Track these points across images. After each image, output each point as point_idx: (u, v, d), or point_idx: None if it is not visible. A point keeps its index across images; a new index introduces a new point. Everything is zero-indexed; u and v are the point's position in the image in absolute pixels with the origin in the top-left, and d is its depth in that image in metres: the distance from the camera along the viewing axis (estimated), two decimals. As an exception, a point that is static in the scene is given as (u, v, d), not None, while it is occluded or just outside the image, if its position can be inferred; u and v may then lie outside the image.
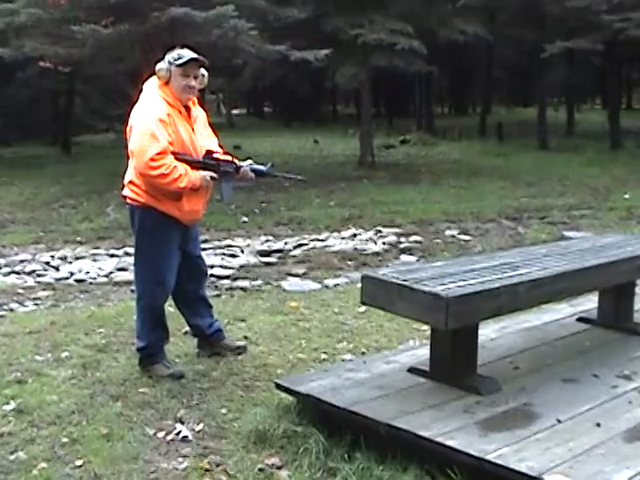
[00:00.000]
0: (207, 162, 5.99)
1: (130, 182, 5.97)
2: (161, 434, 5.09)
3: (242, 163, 6.13)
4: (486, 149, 33.09)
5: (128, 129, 5.90)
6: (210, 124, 6.42)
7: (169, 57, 5.93)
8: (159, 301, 6.12)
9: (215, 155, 6.04)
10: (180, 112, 5.92)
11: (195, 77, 6.00)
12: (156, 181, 5.75)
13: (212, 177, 5.97)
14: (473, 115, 54.44)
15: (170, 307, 6.70)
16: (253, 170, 6.15)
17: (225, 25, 20.34)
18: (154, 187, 5.81)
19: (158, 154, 5.64)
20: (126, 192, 6.02)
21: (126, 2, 19.98)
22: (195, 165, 5.92)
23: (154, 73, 6.02)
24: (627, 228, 14.61)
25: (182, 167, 5.78)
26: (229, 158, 6.11)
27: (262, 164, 6.29)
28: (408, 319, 5.76)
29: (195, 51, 6.05)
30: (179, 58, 5.91)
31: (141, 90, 6.07)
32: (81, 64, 24.89)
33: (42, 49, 21.59)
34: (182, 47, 6.13)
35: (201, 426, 5.17)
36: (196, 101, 6.19)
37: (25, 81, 32.42)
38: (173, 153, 5.76)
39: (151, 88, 5.99)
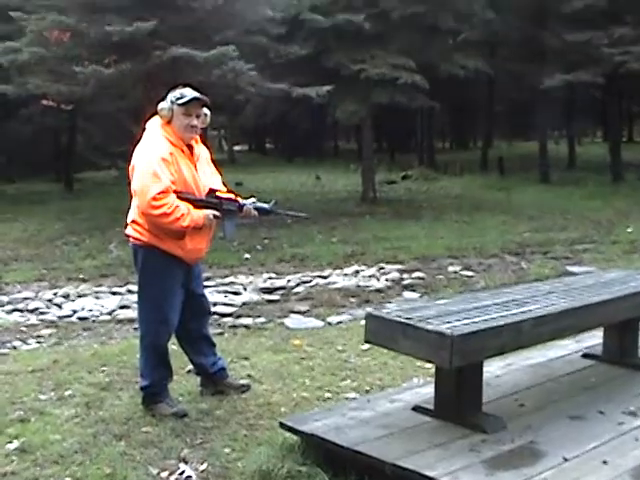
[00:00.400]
0: (210, 201, 5.98)
1: (133, 221, 5.96)
2: (165, 474, 5.05)
3: (245, 201, 6.13)
4: (488, 183, 33.14)
5: (130, 168, 5.89)
6: (213, 161, 6.41)
7: (171, 96, 5.93)
8: (162, 340, 6.09)
9: (217, 194, 6.03)
10: (183, 151, 5.92)
11: (197, 116, 5.99)
12: (158, 220, 5.74)
13: (215, 216, 5.96)
14: (474, 149, 54.56)
15: (173, 345, 6.68)
16: (256, 208, 6.15)
17: (225, 67, 20.46)
18: (157, 226, 5.80)
19: (160, 193, 5.63)
20: (129, 231, 6.02)
21: (128, 41, 20.09)
22: (198, 204, 5.91)
23: (156, 112, 6.02)
24: (630, 262, 14.61)
25: (184, 206, 5.77)
26: (232, 196, 6.11)
27: (265, 202, 6.27)
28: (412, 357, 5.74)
29: (197, 90, 6.06)
30: (181, 97, 5.91)
31: (144, 129, 6.07)
32: (83, 101, 24.98)
33: (44, 87, 21.69)
34: (184, 86, 6.13)
35: (205, 466, 5.13)
36: (198, 139, 6.19)
37: (28, 118, 32.54)
38: (176, 192, 5.76)
39: (154, 127, 5.98)
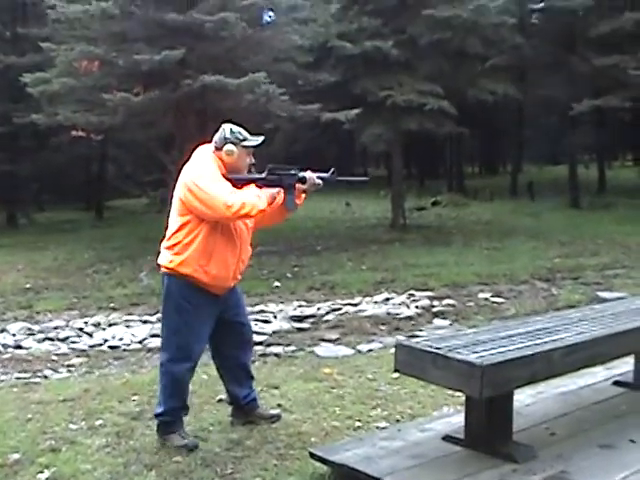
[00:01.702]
0: (271, 179, 6.07)
1: (164, 249, 6.01)
2: (195, 504, 5.07)
3: (303, 173, 6.20)
4: (518, 209, 33.06)
5: (179, 185, 5.92)
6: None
7: (232, 136, 5.98)
8: (180, 369, 6.01)
9: (276, 170, 6.13)
10: None
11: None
12: (243, 218, 5.89)
13: (278, 193, 6.09)
14: (504, 174, 54.45)
15: (204, 375, 6.71)
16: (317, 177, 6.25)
17: (257, 90, 20.55)
18: (185, 253, 5.86)
19: (230, 195, 5.70)
20: (160, 259, 6.06)
21: (157, 70, 20.24)
22: (260, 183, 6.03)
23: (204, 142, 6.11)
24: (661, 287, 14.50)
25: (252, 193, 5.88)
26: (290, 171, 6.18)
27: (324, 171, 6.35)
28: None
29: (232, 121, 6.16)
30: (245, 139, 6.01)
31: (190, 155, 6.12)
32: (113, 130, 25.19)
33: (74, 117, 21.85)
34: (227, 123, 6.20)
35: (235, 496, 5.14)
36: None
37: (58, 147, 32.83)
38: (237, 179, 5.94)
39: (205, 152, 6.04)
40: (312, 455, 5.26)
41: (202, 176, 5.78)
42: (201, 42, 21.32)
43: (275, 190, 6.04)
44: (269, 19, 28.66)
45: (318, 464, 5.23)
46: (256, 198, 5.82)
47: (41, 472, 5.52)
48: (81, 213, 35.97)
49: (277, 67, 23.42)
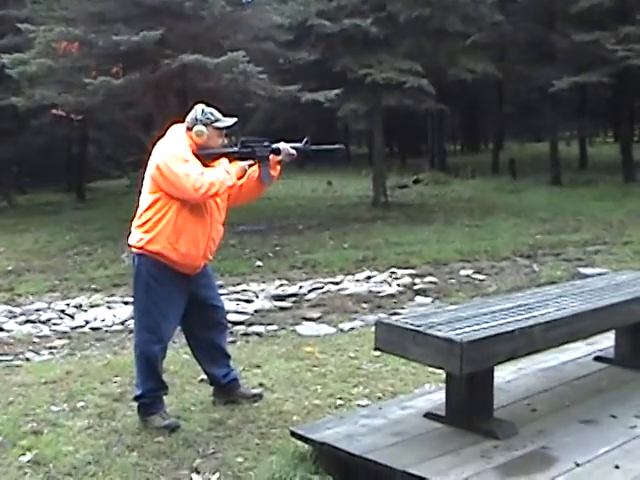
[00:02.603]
0: (243, 152, 6.07)
1: (133, 228, 5.99)
2: (177, 485, 5.06)
3: (276, 144, 6.20)
4: (499, 186, 33.13)
5: (152, 167, 5.86)
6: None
7: (203, 117, 5.95)
8: (152, 350, 5.99)
9: (249, 143, 6.12)
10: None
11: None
12: (212, 198, 5.85)
13: (250, 165, 6.09)
14: (485, 151, 54.56)
15: (185, 355, 6.70)
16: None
17: (235, 70, 20.47)
18: (154, 230, 5.84)
19: (199, 175, 5.68)
20: (130, 239, 6.03)
21: (136, 50, 20.12)
22: (232, 156, 6.02)
23: (175, 121, 6.09)
24: (642, 263, 14.55)
25: (220, 170, 5.85)
26: (264, 143, 6.16)
27: (298, 141, 6.34)
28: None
29: (208, 101, 6.15)
30: (217, 120, 5.99)
31: (161, 136, 6.07)
32: (93, 111, 25.07)
33: (52, 97, 21.74)
34: (201, 103, 6.16)
35: (217, 476, 5.12)
36: None
37: (39, 129, 32.69)
38: (208, 154, 5.92)
39: (178, 131, 6.01)
40: (293, 434, 5.26)
41: (172, 155, 5.76)
42: (180, 21, 21.20)
43: (246, 163, 6.04)
44: (248, -2, 28.50)
45: (300, 443, 5.23)
46: (224, 174, 5.82)
47: (23, 454, 5.50)
48: (62, 195, 35.80)
49: (257, 46, 23.32)
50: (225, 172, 5.85)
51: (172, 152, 5.78)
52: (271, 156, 6.16)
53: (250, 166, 6.08)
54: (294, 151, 6.23)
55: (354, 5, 25.55)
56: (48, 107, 23.67)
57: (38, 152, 35.88)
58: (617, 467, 4.44)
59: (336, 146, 7.27)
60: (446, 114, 41.75)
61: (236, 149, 6.08)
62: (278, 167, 6.27)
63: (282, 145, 6.19)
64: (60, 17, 22.49)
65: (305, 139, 6.37)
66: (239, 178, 6.01)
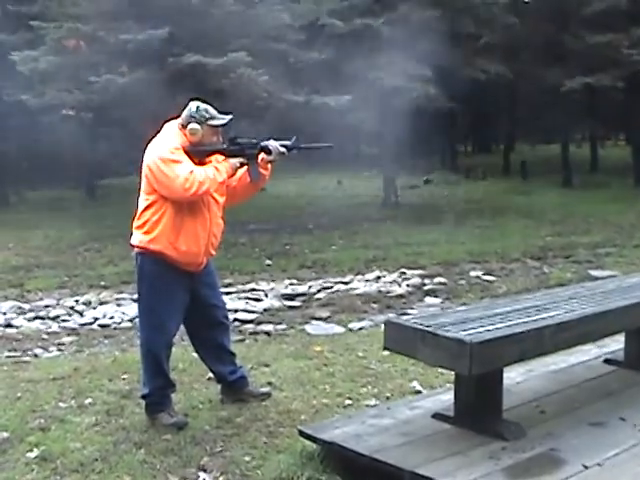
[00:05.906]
0: (232, 149, 6.04)
1: (134, 228, 5.99)
2: (184, 483, 5.05)
3: (265, 142, 6.17)
4: (510, 187, 33.01)
5: (145, 167, 5.88)
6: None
7: (198, 115, 5.93)
8: (158, 348, 6.00)
9: (238, 140, 6.09)
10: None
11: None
12: (202, 197, 5.81)
13: (241, 163, 6.06)
14: (496, 152, 54.34)
15: (194, 353, 6.69)
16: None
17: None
18: (154, 231, 5.84)
19: (189, 174, 5.65)
20: (132, 239, 6.03)
21: (146, 48, 20.09)
22: (221, 153, 6.00)
23: (171, 118, 6.06)
24: (653, 265, 14.52)
25: (209, 168, 5.82)
26: (252, 141, 6.15)
27: (287, 139, 6.31)
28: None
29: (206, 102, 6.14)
30: (212, 118, 5.96)
31: (158, 132, 6.07)
32: (103, 109, 25.06)
33: (62, 96, 21.73)
34: (200, 100, 6.14)
35: (224, 474, 5.12)
36: None
37: (49, 125, 32.64)
38: (198, 152, 5.89)
39: (170, 129, 6.00)
40: (301, 433, 5.26)
41: (161, 156, 5.74)
42: (190, 19, 21.16)
43: (237, 160, 6.02)
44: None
45: (307, 442, 5.22)
46: (214, 172, 5.81)
47: (30, 451, 5.51)
48: (72, 191, 35.76)
49: (267, 45, 23.25)
50: (214, 169, 5.83)
51: (161, 154, 5.76)
52: (261, 154, 6.15)
53: (241, 164, 6.06)
54: (284, 149, 6.20)
55: (365, 5, 25.46)
56: (58, 104, 23.61)
57: (48, 148, 35.85)
58: (625, 470, 4.43)
59: (326, 144, 7.34)
60: (458, 115, 41.61)
61: (225, 146, 6.06)
62: (269, 166, 6.26)
63: (272, 143, 6.16)
64: (71, 14, 22.46)
65: (295, 137, 6.36)
66: (230, 176, 6.00)
